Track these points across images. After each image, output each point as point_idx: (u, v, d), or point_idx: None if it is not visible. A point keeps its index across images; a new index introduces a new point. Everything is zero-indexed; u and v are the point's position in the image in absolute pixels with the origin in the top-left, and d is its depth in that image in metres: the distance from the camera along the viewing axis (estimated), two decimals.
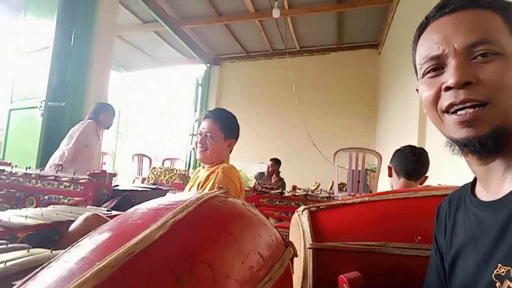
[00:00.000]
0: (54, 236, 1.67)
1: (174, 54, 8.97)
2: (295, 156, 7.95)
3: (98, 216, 1.67)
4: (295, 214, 1.03)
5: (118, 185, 3.30)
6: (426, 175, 1.88)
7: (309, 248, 0.88)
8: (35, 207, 2.64)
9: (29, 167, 2.92)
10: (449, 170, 2.94)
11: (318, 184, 5.27)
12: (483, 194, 0.63)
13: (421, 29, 0.67)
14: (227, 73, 9.41)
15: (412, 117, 4.00)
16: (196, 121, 9.28)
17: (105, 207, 2.41)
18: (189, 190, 1.78)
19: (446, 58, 0.60)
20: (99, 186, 2.64)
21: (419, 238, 0.86)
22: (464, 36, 0.58)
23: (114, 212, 2.14)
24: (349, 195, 3.56)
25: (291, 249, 0.65)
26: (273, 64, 8.83)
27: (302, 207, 1.03)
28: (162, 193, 4.30)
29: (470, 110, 0.57)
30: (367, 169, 4.71)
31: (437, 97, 0.62)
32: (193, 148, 6.65)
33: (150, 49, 8.75)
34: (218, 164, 1.75)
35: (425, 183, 1.87)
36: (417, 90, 0.70)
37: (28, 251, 1.02)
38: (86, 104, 4.45)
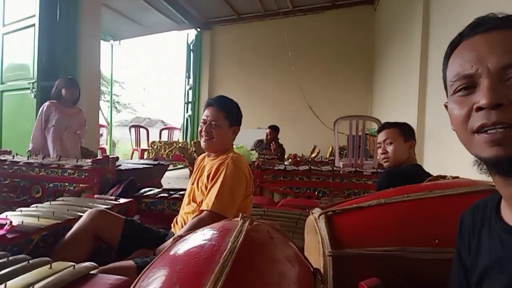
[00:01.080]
0: (67, 233, 1.70)
1: (163, 20, 8.65)
2: (292, 120, 7.94)
3: (102, 212, 1.69)
4: (311, 218, 1.04)
5: (120, 165, 3.31)
6: (413, 141, 1.97)
7: (329, 256, 0.90)
8: (41, 195, 2.67)
9: (31, 155, 2.90)
10: (451, 134, 2.97)
11: (318, 151, 5.32)
12: (509, 216, 0.64)
13: (454, 45, 0.65)
14: (219, 38, 9.15)
15: (412, 76, 3.96)
16: (190, 88, 9.15)
17: (112, 194, 2.43)
18: (196, 179, 1.77)
19: (478, 78, 0.58)
20: (103, 171, 2.64)
21: (436, 241, 0.88)
22: (499, 57, 0.56)
23: (122, 200, 2.17)
24: (351, 164, 3.59)
25: (319, 276, 0.66)
26: (266, 26, 8.56)
27: (317, 210, 1.04)
28: (164, 168, 4.33)
29: (501, 130, 0.56)
30: (366, 134, 4.72)
31: (468, 117, 0.61)
32: (192, 142, 6.64)
33: (138, 16, 8.42)
34: (224, 153, 1.74)
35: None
36: (445, 106, 0.69)
37: (28, 262, 1.04)
38: (79, 81, 4.34)
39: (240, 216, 0.71)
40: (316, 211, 1.04)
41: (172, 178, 5.50)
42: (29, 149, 3.30)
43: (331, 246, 0.91)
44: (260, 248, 0.63)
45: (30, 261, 1.06)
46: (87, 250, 1.58)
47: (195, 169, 1.89)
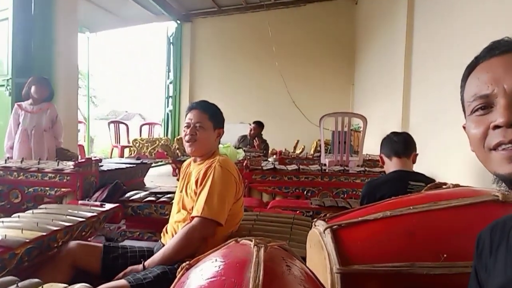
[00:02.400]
0: (53, 244, 1.63)
1: (141, 12, 8.41)
2: (275, 114, 7.91)
3: (79, 245, 1.63)
4: (315, 232, 1.01)
5: (102, 165, 3.20)
6: (416, 152, 1.95)
7: (337, 273, 0.88)
8: (21, 200, 2.55)
9: (8, 158, 2.78)
10: (435, 129, 3.01)
11: (303, 147, 5.32)
12: None
13: (471, 68, 0.68)
14: (199, 30, 8.99)
15: (397, 71, 3.99)
16: (171, 82, 8.98)
17: (96, 198, 2.35)
18: (184, 186, 1.72)
19: (495, 98, 0.61)
20: (86, 174, 2.55)
21: (445, 255, 0.87)
22: None
23: (108, 206, 2.09)
24: (337, 160, 3.60)
25: None
26: (248, 19, 8.46)
27: (321, 223, 1.01)
28: (147, 166, 4.23)
29: None
30: (351, 130, 4.75)
31: (485, 135, 0.62)
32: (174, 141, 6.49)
33: (115, 8, 8.17)
34: (210, 156, 1.69)
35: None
36: (463, 127, 0.71)
37: (17, 286, 0.98)
38: (56, 76, 4.18)
39: (253, 242, 0.68)
40: (320, 225, 1.02)
41: (155, 176, 5.39)
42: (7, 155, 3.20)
43: (339, 262, 0.89)
44: (282, 282, 0.59)
45: (19, 284, 0.99)
46: (67, 280, 1.52)
47: (181, 176, 1.83)
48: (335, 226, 0.98)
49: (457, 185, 1.13)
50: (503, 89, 0.59)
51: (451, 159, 2.71)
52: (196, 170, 1.68)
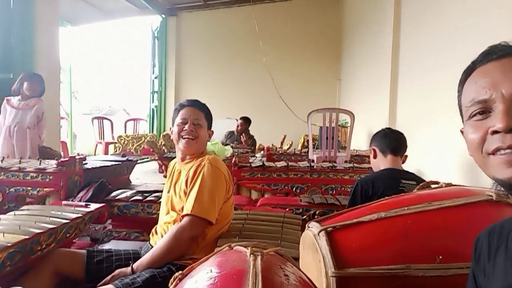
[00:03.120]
0: (36, 247, 1.57)
1: (124, 5, 8.23)
2: (262, 109, 7.89)
3: (61, 252, 1.59)
4: (309, 234, 0.99)
5: (86, 163, 3.12)
6: (406, 154, 1.97)
7: (332, 277, 0.86)
8: (2, 201, 2.47)
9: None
10: (422, 125, 3.04)
11: (290, 143, 5.32)
12: None
13: (468, 73, 0.68)
14: (185, 25, 8.85)
15: (384, 66, 4.00)
16: (156, 77, 8.84)
17: (81, 198, 2.29)
18: (172, 186, 1.67)
19: (493, 103, 0.61)
20: (70, 173, 2.48)
21: (440, 257, 0.86)
22: None
23: (93, 206, 2.04)
24: (325, 156, 3.60)
25: None
26: (234, 13, 8.38)
27: (315, 225, 0.99)
28: (133, 164, 4.17)
29: None
30: (338, 125, 4.77)
31: (483, 140, 0.62)
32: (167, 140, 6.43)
33: (97, 0, 7.97)
34: (200, 155, 1.66)
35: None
36: (461, 131, 0.70)
37: None
38: (37, 71, 4.03)
39: (249, 250, 0.65)
40: (314, 227, 1.00)
41: (141, 173, 5.31)
42: None
43: (334, 266, 0.88)
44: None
45: None
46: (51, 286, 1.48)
47: (168, 176, 1.79)
48: (329, 228, 0.96)
49: (449, 184, 1.13)
50: (501, 94, 0.59)
51: (438, 155, 2.74)
52: (185, 169, 1.64)
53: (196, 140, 1.62)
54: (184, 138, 1.62)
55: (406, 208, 0.97)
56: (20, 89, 3.20)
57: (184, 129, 1.63)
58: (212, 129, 1.76)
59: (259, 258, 0.63)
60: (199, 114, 1.66)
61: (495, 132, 0.59)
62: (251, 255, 0.64)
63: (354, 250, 0.92)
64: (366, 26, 5.38)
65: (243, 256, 0.66)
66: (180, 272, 0.67)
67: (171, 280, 0.66)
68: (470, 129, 0.65)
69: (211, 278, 0.58)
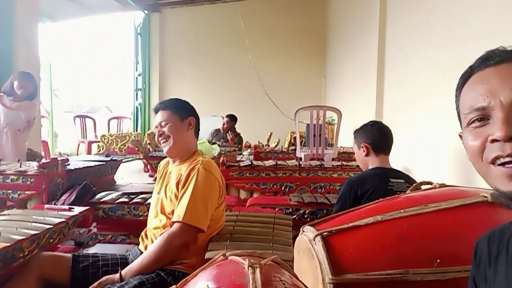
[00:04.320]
0: (18, 254, 1.50)
1: (105, 0, 8.05)
2: (249, 107, 7.85)
3: (45, 256, 1.53)
4: (304, 239, 0.97)
5: (69, 164, 3.03)
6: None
7: (330, 283, 0.84)
8: None
9: None
10: (409, 122, 3.06)
11: (277, 140, 5.31)
12: None
13: (465, 78, 0.67)
14: (168, 21, 8.71)
15: (370, 62, 4.02)
16: (139, 74, 8.69)
17: (64, 201, 2.21)
18: (163, 188, 1.63)
19: (491, 110, 0.60)
20: (52, 176, 2.40)
21: (438, 261, 0.85)
22: (511, 90, 0.58)
23: (77, 209, 1.97)
24: (312, 154, 3.60)
25: None
26: (219, 10, 8.30)
27: (310, 229, 0.97)
28: (117, 163, 4.09)
29: None
30: (325, 122, 4.78)
31: (482, 148, 0.62)
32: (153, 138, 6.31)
33: None
34: (192, 156, 1.62)
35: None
36: (460, 136, 0.69)
37: None
38: (16, 68, 3.90)
39: (247, 262, 0.62)
40: (309, 231, 0.98)
41: (125, 172, 5.21)
42: None
43: (331, 272, 0.85)
44: None
45: None
46: None
47: (158, 177, 1.74)
48: (325, 233, 0.94)
49: (443, 185, 1.12)
50: (500, 102, 0.59)
51: (425, 153, 2.76)
52: (176, 171, 1.60)
53: (170, 139, 1.59)
54: (161, 144, 1.63)
55: (402, 211, 0.96)
56: (12, 89, 3.04)
57: (157, 134, 1.63)
58: (192, 115, 1.70)
59: (257, 271, 0.60)
60: (166, 113, 1.63)
61: (494, 140, 0.59)
62: (249, 268, 0.61)
63: (351, 255, 0.90)
64: (352, 22, 5.40)
65: (241, 268, 0.63)
66: (174, 286, 0.63)
67: None
68: (469, 136, 0.64)
69: None
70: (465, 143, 0.66)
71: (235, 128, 5.75)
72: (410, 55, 3.16)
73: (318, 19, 8.06)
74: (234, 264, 0.66)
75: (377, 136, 1.85)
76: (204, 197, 1.46)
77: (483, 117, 0.61)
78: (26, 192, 2.33)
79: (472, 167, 0.67)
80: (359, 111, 4.47)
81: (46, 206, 2.03)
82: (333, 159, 3.49)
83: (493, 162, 0.60)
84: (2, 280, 1.44)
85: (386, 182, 1.67)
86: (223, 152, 3.60)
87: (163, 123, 1.61)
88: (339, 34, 6.56)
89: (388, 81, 3.70)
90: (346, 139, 4.95)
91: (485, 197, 0.95)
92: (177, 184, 1.52)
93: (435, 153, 2.57)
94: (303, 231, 1.01)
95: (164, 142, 1.61)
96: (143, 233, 1.64)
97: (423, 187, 1.20)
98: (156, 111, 1.67)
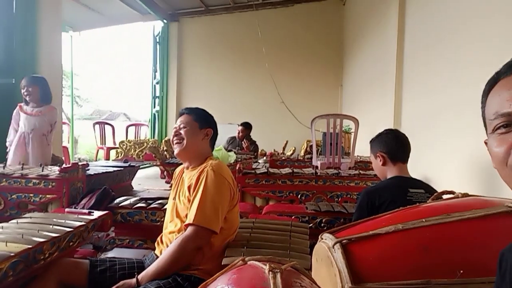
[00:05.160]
0: (39, 256, 1.54)
1: (126, 11, 8.25)
2: (265, 115, 7.88)
3: (64, 261, 1.56)
4: (323, 246, 0.96)
5: (89, 169, 3.09)
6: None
7: None
8: (3, 207, 2.44)
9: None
10: (428, 131, 3.01)
11: (293, 148, 5.29)
12: None
13: (491, 84, 0.67)
14: (187, 30, 8.86)
15: (388, 72, 3.99)
16: (157, 82, 8.83)
17: (84, 205, 2.26)
18: (177, 193, 1.65)
19: None
20: (72, 180, 2.45)
21: (461, 271, 0.83)
22: None
23: (96, 213, 2.01)
24: (329, 162, 3.57)
25: None
26: (236, 19, 8.40)
27: (329, 237, 0.96)
28: (135, 169, 4.14)
29: None
30: (342, 131, 4.75)
31: (508, 154, 0.61)
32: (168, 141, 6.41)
33: (99, 6, 7.98)
34: (203, 162, 1.64)
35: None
36: (485, 143, 0.69)
37: None
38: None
39: (268, 267, 0.62)
40: (328, 239, 0.97)
41: (142, 178, 5.29)
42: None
43: (351, 281, 0.84)
44: None
45: None
46: None
47: (174, 183, 1.77)
48: (345, 241, 0.92)
49: (466, 194, 1.09)
50: None
51: (444, 162, 2.71)
52: (189, 176, 1.62)
53: (183, 141, 1.62)
54: (174, 144, 1.66)
55: (424, 219, 0.94)
56: (23, 94, 3.15)
57: (173, 134, 1.67)
58: (211, 127, 1.73)
59: (278, 275, 0.60)
60: (187, 118, 1.68)
61: None
62: (270, 272, 0.61)
63: (371, 263, 0.88)
64: (369, 31, 5.38)
65: (261, 273, 0.63)
66: None
67: None
68: (494, 142, 0.64)
69: None
70: (490, 149, 0.66)
71: (250, 136, 5.76)
72: (429, 62, 3.11)
73: (335, 28, 8.07)
74: (254, 269, 0.66)
75: (393, 144, 1.82)
76: (213, 200, 1.47)
77: (509, 123, 0.61)
78: (47, 196, 2.38)
79: (495, 177, 0.66)
80: (377, 120, 4.42)
81: (67, 209, 2.07)
82: (349, 168, 3.46)
83: None
84: (23, 282, 1.47)
85: (405, 192, 1.64)
86: (239, 159, 3.61)
87: (181, 125, 1.66)
88: (356, 42, 6.54)
89: (406, 90, 3.66)
90: (363, 148, 4.90)
91: (510, 207, 0.93)
92: (189, 188, 1.54)
93: (457, 162, 2.51)
94: (322, 239, 1.00)
95: (177, 143, 1.65)
96: (159, 238, 1.66)
97: (444, 196, 1.17)
98: (181, 114, 1.72)
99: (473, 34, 2.42)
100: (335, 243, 0.92)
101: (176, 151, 1.66)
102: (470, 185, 2.29)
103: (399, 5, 3.73)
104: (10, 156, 3.09)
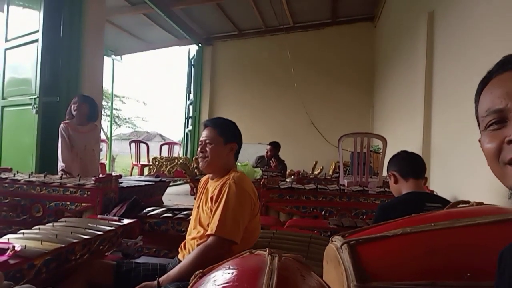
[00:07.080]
0: (71, 256, 1.64)
1: (164, 36, 8.72)
2: (294, 135, 7.92)
3: (95, 262, 1.65)
4: (332, 247, 0.98)
5: (122, 182, 3.25)
6: (425, 176, 1.93)
7: None
8: (42, 215, 2.60)
9: (32, 173, 2.85)
10: (457, 150, 2.94)
11: (321, 168, 5.28)
12: None
13: (484, 82, 0.69)
14: (220, 53, 9.20)
15: (417, 93, 3.94)
16: (191, 103, 9.15)
17: (115, 213, 2.38)
18: (201, 202, 1.72)
19: (509, 112, 0.61)
20: (106, 190, 2.59)
21: (468, 274, 0.83)
22: None
23: (125, 221, 2.11)
24: (356, 182, 3.54)
25: None
26: (267, 42, 8.64)
27: (338, 239, 0.99)
28: (165, 184, 4.27)
29: None
30: (370, 151, 4.70)
31: (499, 150, 0.62)
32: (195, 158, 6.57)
33: (139, 32, 8.48)
34: (227, 173, 1.70)
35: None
36: (479, 141, 0.71)
37: None
38: None
39: (267, 251, 0.67)
40: (337, 240, 0.99)
41: (173, 194, 5.43)
42: (62, 168, 3.22)
43: (356, 279, 0.86)
44: None
45: None
46: None
47: (198, 192, 1.84)
48: (352, 242, 0.95)
49: (481, 203, 1.09)
50: None
51: (474, 180, 2.62)
52: (212, 187, 1.69)
53: (207, 159, 1.68)
54: (199, 155, 1.73)
55: (432, 224, 0.94)
56: (70, 112, 3.38)
57: (199, 150, 1.74)
58: (241, 145, 1.80)
59: (276, 258, 0.64)
60: (212, 132, 1.73)
61: (511, 141, 0.59)
62: (269, 256, 0.65)
63: (377, 264, 0.90)
64: (399, 53, 5.36)
65: (262, 257, 0.68)
66: (201, 270, 0.69)
67: (192, 277, 0.69)
68: (486, 138, 0.65)
69: (228, 274, 0.60)
70: (482, 146, 0.67)
71: (279, 155, 5.80)
72: (457, 84, 3.07)
73: (366, 50, 8.08)
74: (256, 255, 0.71)
75: (402, 162, 1.88)
76: (235, 211, 1.52)
77: (500, 119, 0.62)
78: (83, 204, 2.53)
79: None
80: (406, 140, 4.35)
81: (99, 216, 2.20)
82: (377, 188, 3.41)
83: (509, 162, 0.60)
84: (53, 281, 1.57)
85: (421, 206, 1.63)
86: (266, 176, 3.66)
87: (207, 141, 1.71)
88: (387, 65, 6.52)
89: (436, 111, 3.60)
90: None
91: None
92: (212, 198, 1.61)
93: (484, 181, 2.43)
94: (332, 241, 1.03)
95: (201, 158, 1.71)
96: (182, 244, 1.73)
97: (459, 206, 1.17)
98: (205, 126, 1.77)
99: (505, 53, 2.38)
100: (343, 244, 0.95)
101: (201, 166, 1.74)
102: (502, 202, 2.20)
103: (427, 26, 3.72)
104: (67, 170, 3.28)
